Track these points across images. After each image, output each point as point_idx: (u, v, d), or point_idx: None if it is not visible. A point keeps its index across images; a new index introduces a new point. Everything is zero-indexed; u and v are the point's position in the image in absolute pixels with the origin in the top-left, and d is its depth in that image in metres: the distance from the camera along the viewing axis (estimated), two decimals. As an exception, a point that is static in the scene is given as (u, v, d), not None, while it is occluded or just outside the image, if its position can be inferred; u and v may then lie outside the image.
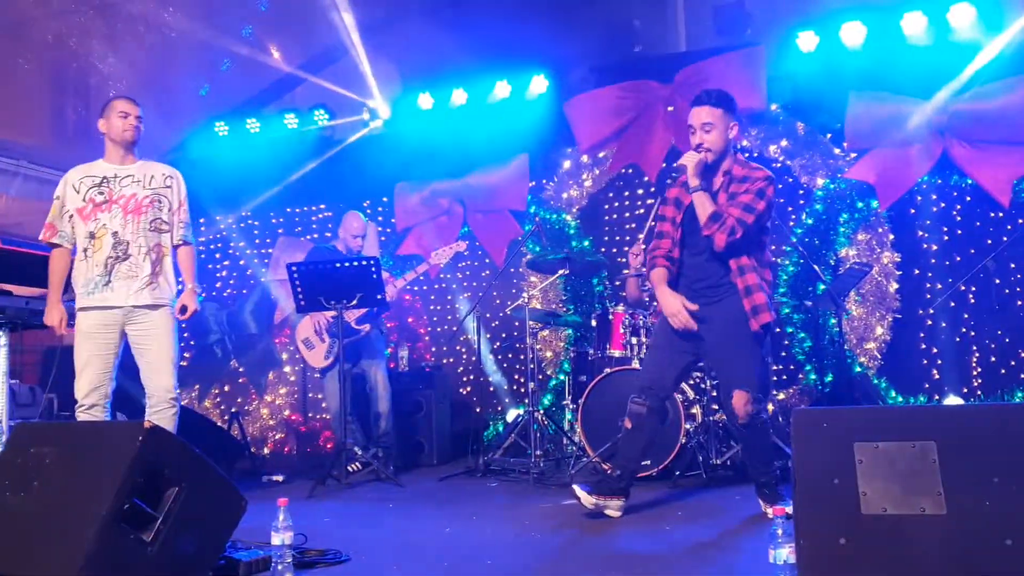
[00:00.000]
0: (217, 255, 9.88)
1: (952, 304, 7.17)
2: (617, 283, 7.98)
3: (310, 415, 8.60)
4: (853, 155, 7.46)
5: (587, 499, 4.52)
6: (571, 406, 6.92)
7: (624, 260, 8.09)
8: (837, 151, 7.56)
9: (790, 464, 4.98)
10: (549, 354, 8.36)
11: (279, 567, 3.21)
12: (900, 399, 7.17)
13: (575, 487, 4.59)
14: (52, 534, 2.95)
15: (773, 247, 7.54)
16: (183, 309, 4.91)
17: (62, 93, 10.29)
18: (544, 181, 8.60)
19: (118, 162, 5.01)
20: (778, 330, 7.45)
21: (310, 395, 8.39)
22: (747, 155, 7.80)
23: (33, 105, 9.96)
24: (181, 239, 5.06)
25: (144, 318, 4.81)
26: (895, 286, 7.35)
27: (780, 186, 7.64)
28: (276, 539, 3.20)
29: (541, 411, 6.79)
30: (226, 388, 9.57)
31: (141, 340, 4.82)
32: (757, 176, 4.42)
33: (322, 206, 9.50)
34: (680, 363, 4.58)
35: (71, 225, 4.86)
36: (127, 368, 4.94)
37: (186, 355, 9.84)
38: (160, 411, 4.81)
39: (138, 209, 4.90)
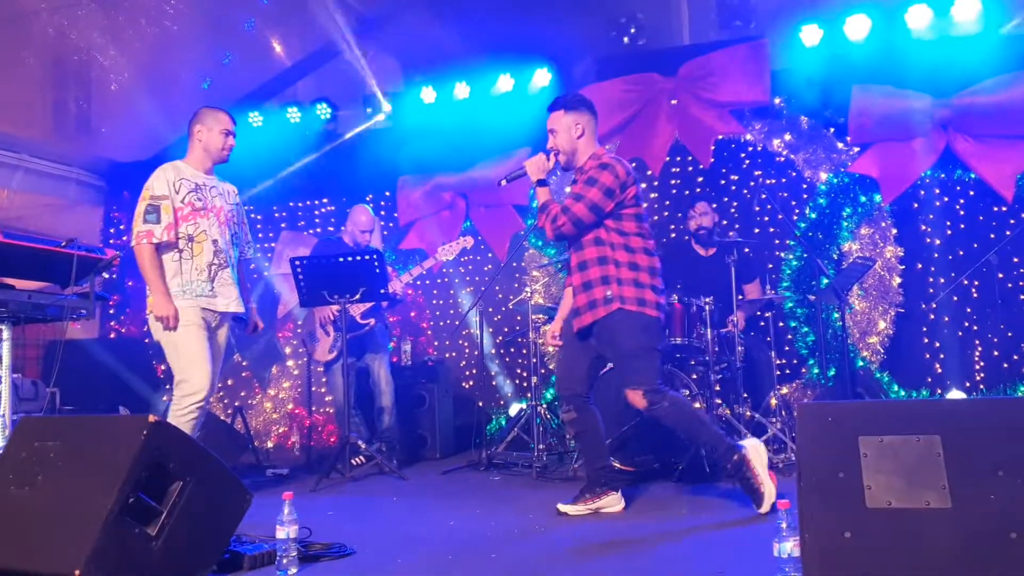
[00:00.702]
0: (219, 249, 9.87)
1: (955, 298, 7.17)
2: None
3: (314, 409, 8.60)
4: (856, 149, 7.45)
5: (577, 509, 4.51)
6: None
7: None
8: (840, 145, 7.55)
9: (703, 451, 5.08)
10: (552, 348, 8.34)
11: (284, 560, 3.22)
12: (903, 393, 7.17)
13: (560, 507, 4.55)
14: (57, 528, 2.96)
15: (783, 236, 7.55)
16: (256, 327, 5.42)
17: (64, 86, 10.29)
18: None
19: (205, 172, 5.19)
20: (781, 324, 7.45)
21: (314, 389, 8.39)
22: (751, 148, 7.81)
23: (34, 98, 9.96)
24: (245, 255, 5.41)
25: (222, 326, 5.14)
26: (898, 280, 7.35)
27: (781, 180, 7.64)
28: (281, 533, 3.21)
29: (544, 405, 6.80)
30: (229, 382, 9.57)
31: (214, 344, 5.07)
32: (591, 165, 4.50)
33: (325, 200, 9.50)
34: (585, 359, 4.61)
35: None
36: (136, 367, 4.95)
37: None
38: (190, 409, 4.88)
39: (227, 221, 5.19)
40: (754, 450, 4.31)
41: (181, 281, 4.94)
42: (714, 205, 7.32)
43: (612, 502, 4.55)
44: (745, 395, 6.36)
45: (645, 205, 4.77)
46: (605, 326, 4.41)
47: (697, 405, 5.97)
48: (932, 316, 7.25)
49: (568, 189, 4.62)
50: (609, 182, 4.38)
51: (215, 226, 5.06)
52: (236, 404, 8.70)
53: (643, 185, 8.25)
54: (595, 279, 4.42)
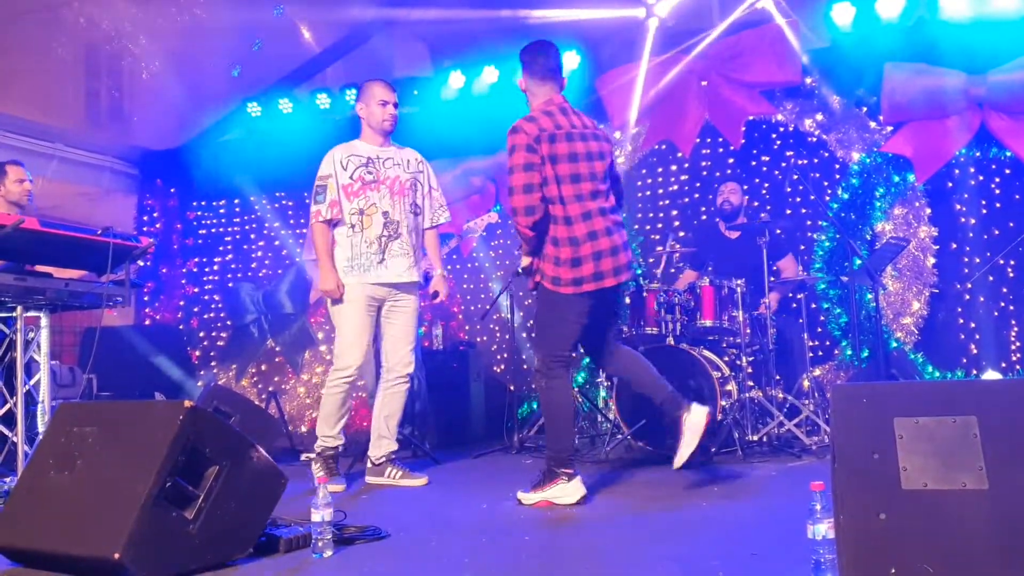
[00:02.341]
0: (252, 235, 9.95)
1: (990, 278, 7.09)
2: (651, 260, 7.96)
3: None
4: (889, 128, 7.38)
5: (530, 497, 4.35)
6: (605, 383, 6.91)
7: (658, 237, 8.07)
8: (873, 124, 7.48)
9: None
10: (582, 332, 8.34)
11: (319, 543, 3.24)
12: (937, 374, 7.12)
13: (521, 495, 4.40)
14: (96, 512, 3.00)
15: (815, 216, 7.50)
16: (435, 294, 5.27)
17: (96, 76, 10.39)
18: (576, 158, 8.55)
19: (378, 145, 5.23)
20: (813, 305, 7.40)
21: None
22: (782, 129, 7.75)
23: (67, 88, 10.06)
24: (431, 222, 5.32)
25: (404, 294, 5.14)
26: (932, 260, 7.28)
27: (813, 161, 7.58)
28: (316, 516, 3.23)
29: (575, 389, 6.80)
30: (263, 367, 9.65)
31: (394, 315, 5.17)
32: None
33: (355, 186, 9.52)
34: None
35: (355, 201, 5.12)
36: (171, 353, 4.99)
37: (223, 335, 9.94)
38: (394, 385, 5.19)
39: (403, 191, 5.17)
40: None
41: (351, 255, 5.05)
42: (745, 187, 7.28)
43: (568, 491, 4.30)
44: (778, 377, 6.34)
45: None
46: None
47: (730, 387, 5.96)
48: (967, 296, 7.17)
49: None
50: (519, 160, 4.26)
51: (386, 197, 5.09)
52: (270, 389, 8.77)
53: (673, 167, 8.21)
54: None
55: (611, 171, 4.53)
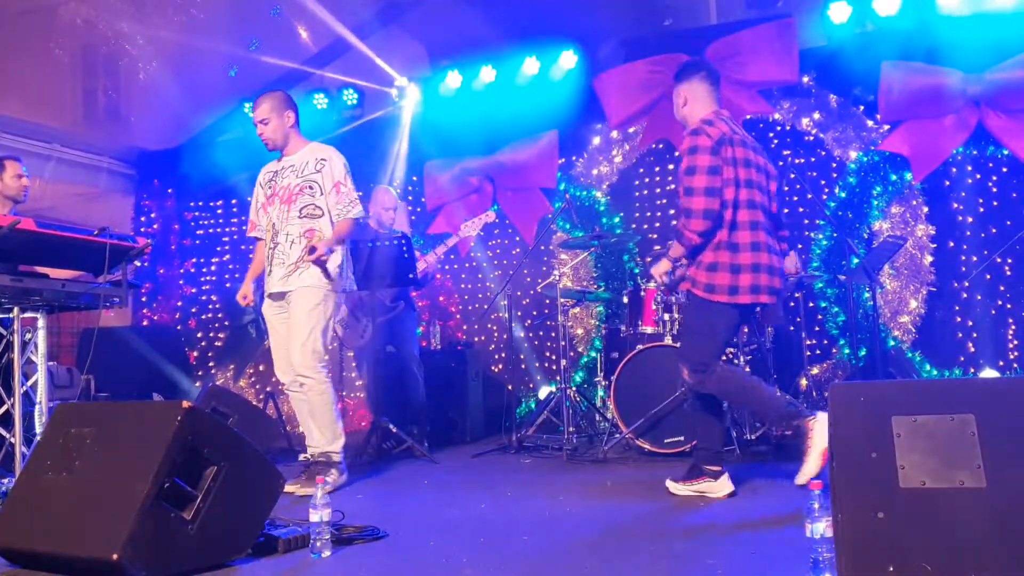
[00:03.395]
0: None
1: (988, 277, 7.10)
2: (648, 260, 7.96)
3: (344, 394, 8.64)
4: (887, 127, 7.38)
5: (678, 488, 4.43)
6: (603, 383, 6.92)
7: (656, 236, 8.07)
8: (870, 123, 7.49)
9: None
10: (580, 331, 8.36)
11: (317, 543, 3.24)
12: (935, 372, 7.12)
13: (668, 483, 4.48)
14: (94, 513, 3.00)
15: (812, 215, 7.51)
16: (312, 250, 4.90)
17: (93, 76, 10.37)
18: (574, 158, 8.58)
19: (285, 155, 5.21)
20: (811, 304, 7.41)
21: (344, 373, 8.44)
22: (779, 128, 7.76)
23: (64, 89, 10.04)
24: (339, 216, 5.11)
25: (283, 302, 5.06)
26: (929, 259, 7.29)
27: (810, 159, 7.59)
28: (314, 516, 3.23)
29: (573, 388, 6.80)
30: (261, 368, 9.64)
31: (279, 322, 5.11)
32: (684, 145, 4.31)
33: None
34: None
35: (262, 217, 5.21)
36: (168, 354, 5.00)
37: (221, 335, 9.93)
38: (292, 391, 5.10)
39: (290, 198, 5.07)
40: (821, 423, 4.19)
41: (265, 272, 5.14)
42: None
43: (715, 487, 4.35)
44: (775, 376, 6.34)
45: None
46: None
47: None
48: (965, 295, 7.18)
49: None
50: (704, 162, 4.17)
51: (276, 208, 5.09)
52: (268, 390, 8.77)
53: (670, 166, 8.22)
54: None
55: (778, 193, 4.50)
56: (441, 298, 9.00)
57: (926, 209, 7.34)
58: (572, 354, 8.04)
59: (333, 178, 5.10)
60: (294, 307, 4.98)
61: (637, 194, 8.36)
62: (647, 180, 8.36)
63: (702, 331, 4.31)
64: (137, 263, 5.02)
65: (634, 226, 8.21)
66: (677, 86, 4.57)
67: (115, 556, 2.80)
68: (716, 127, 4.26)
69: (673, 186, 8.19)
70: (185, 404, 3.09)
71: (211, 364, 9.87)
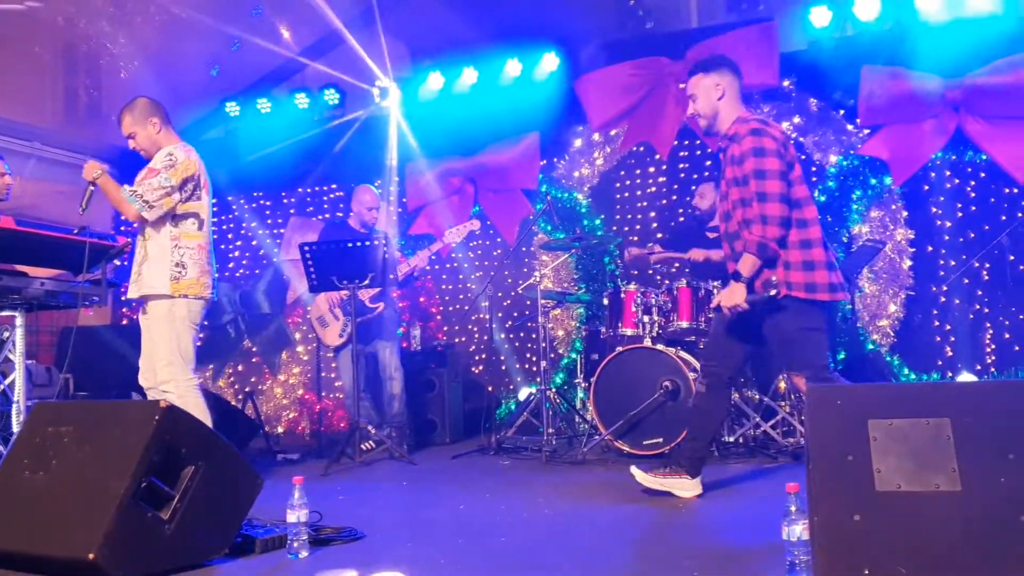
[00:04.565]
0: (230, 235, 9.91)
1: (966, 281, 7.15)
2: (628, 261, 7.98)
3: (323, 394, 8.63)
4: (867, 131, 7.43)
5: (645, 479, 4.43)
6: (583, 384, 6.93)
7: (636, 239, 8.08)
8: (850, 127, 7.53)
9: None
10: (561, 333, 8.37)
11: (295, 544, 3.24)
12: (913, 376, 7.16)
13: (632, 469, 4.48)
14: (71, 512, 2.99)
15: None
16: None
17: (74, 75, 10.30)
18: (555, 160, 8.59)
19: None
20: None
21: (323, 374, 8.42)
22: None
23: (45, 87, 9.98)
24: (134, 192, 4.86)
25: (147, 307, 4.94)
26: (908, 263, 7.33)
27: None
28: (292, 517, 3.23)
29: (553, 390, 6.80)
30: (240, 368, 9.61)
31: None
32: (747, 144, 4.11)
33: (333, 186, 9.52)
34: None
35: None
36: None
37: (200, 335, 9.88)
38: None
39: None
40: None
41: None
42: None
43: (684, 486, 4.35)
44: (754, 378, 6.36)
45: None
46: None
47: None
48: (943, 299, 7.22)
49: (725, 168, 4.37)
50: (775, 165, 4.02)
51: None
52: (246, 390, 8.72)
53: (651, 169, 8.24)
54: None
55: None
56: (422, 299, 8.99)
57: (905, 213, 7.38)
58: (552, 356, 8.05)
59: (153, 164, 4.94)
60: (149, 319, 5.00)
61: (618, 196, 8.38)
62: (628, 182, 8.37)
63: (813, 333, 4.06)
64: (117, 262, 4.99)
65: (615, 228, 8.23)
66: (708, 74, 4.28)
67: (91, 556, 2.79)
68: (772, 126, 4.14)
69: (654, 189, 8.21)
70: (163, 404, 3.08)
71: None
